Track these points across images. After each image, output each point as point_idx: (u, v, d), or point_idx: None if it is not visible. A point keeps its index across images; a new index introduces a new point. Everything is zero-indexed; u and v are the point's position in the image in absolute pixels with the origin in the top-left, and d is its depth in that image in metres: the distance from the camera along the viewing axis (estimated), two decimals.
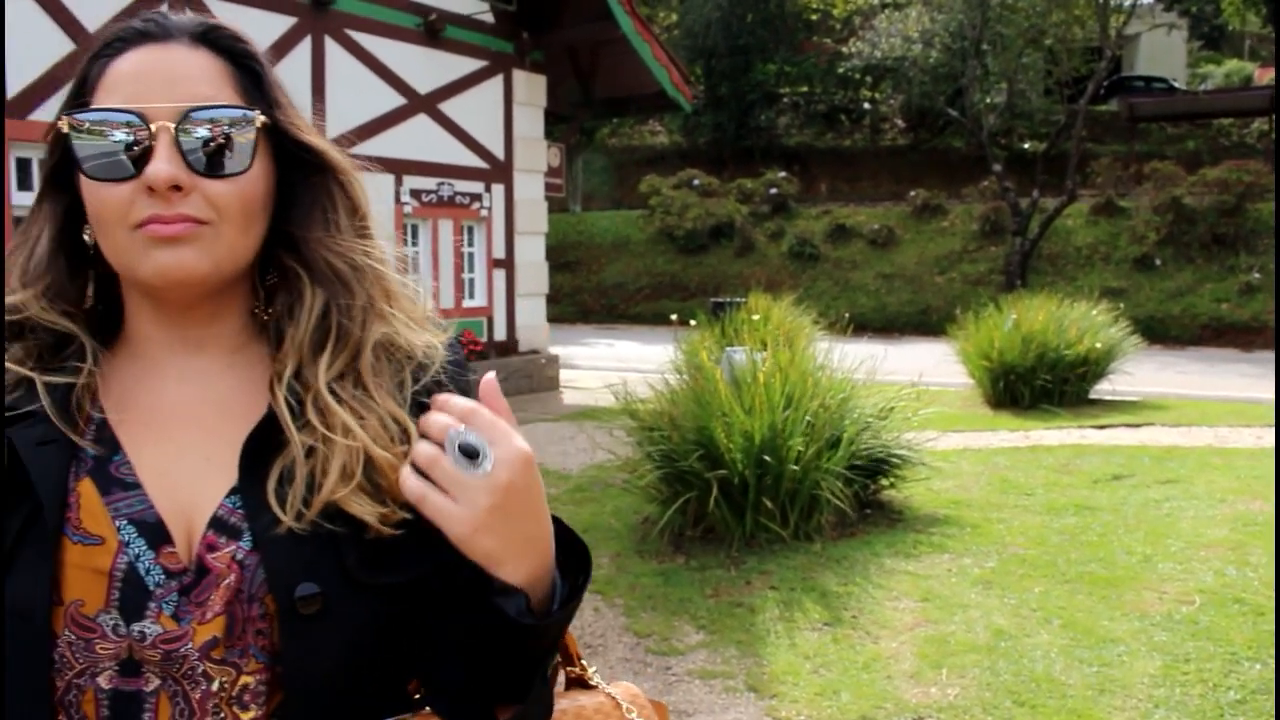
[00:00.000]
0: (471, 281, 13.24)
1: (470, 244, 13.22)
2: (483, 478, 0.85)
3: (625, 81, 14.83)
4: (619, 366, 16.18)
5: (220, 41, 1.00)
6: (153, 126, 0.92)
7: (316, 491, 0.94)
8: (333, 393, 0.98)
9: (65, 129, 0.94)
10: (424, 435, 0.88)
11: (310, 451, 0.96)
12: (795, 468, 5.99)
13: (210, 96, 0.95)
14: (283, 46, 10.76)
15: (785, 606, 5.22)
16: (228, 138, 0.95)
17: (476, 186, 13.09)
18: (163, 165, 0.92)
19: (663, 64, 14.02)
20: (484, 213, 13.19)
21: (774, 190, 28.59)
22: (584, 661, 1.19)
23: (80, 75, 0.97)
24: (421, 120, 12.31)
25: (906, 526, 6.55)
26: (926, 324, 23.29)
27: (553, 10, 13.47)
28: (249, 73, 1.00)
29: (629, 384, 7.21)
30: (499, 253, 13.50)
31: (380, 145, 11.63)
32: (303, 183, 1.03)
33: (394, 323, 1.04)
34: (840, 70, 31.78)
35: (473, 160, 13.03)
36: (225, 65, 0.99)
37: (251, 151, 0.96)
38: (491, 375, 0.91)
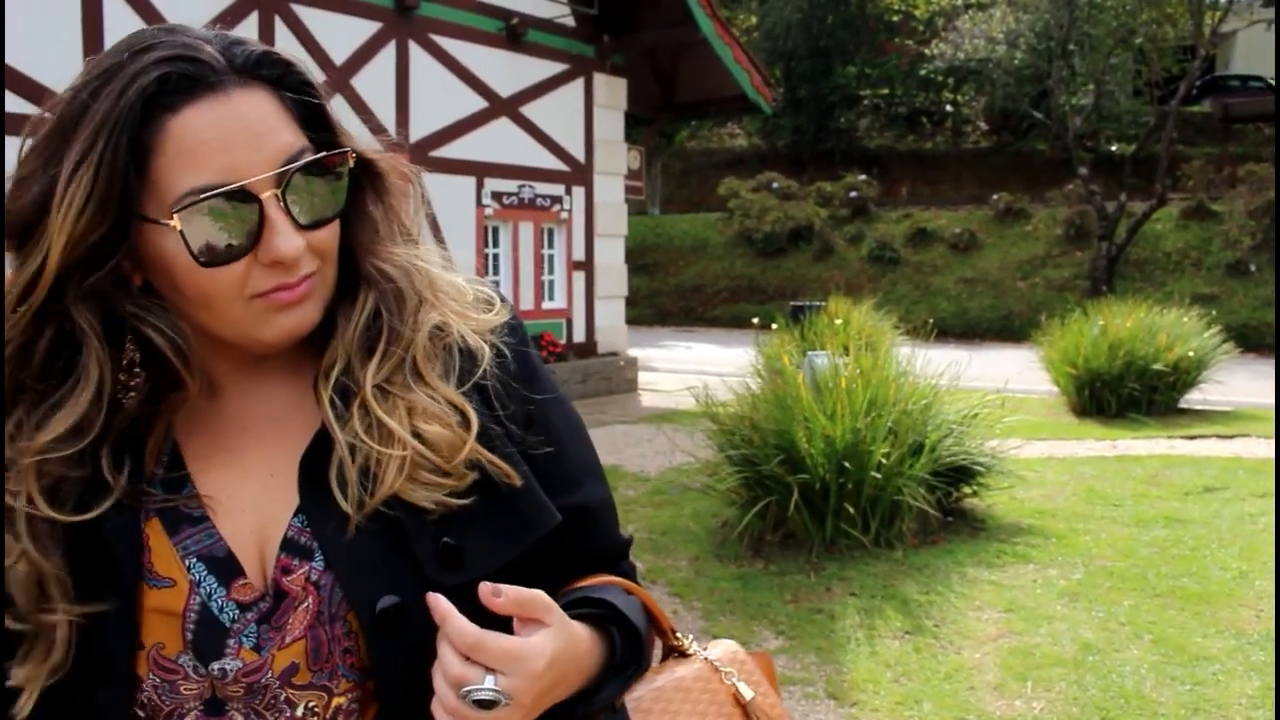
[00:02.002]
0: (551, 283, 13.34)
1: (550, 246, 13.32)
2: (506, 710, 0.86)
3: (705, 84, 14.82)
4: (697, 369, 16.16)
5: (273, 73, 0.93)
6: (262, 197, 0.88)
7: (377, 489, 0.93)
8: (384, 393, 0.96)
9: (179, 226, 0.87)
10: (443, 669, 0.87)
11: (364, 454, 0.94)
12: (877, 474, 5.93)
13: (292, 144, 0.91)
14: (368, 52, 10.95)
15: (866, 614, 5.17)
16: (320, 185, 0.93)
17: (557, 189, 13.18)
18: (291, 239, 0.89)
19: (743, 66, 13.98)
20: (564, 215, 13.28)
21: (854, 193, 28.33)
22: (678, 634, 1.19)
23: (122, 129, 0.86)
24: (503, 123, 12.43)
25: (989, 535, 6.44)
26: (1008, 330, 22.89)
27: (633, 13, 13.51)
28: (303, 101, 0.95)
29: (709, 387, 7.19)
30: (579, 255, 13.57)
31: (462, 148, 11.77)
32: (353, 192, 1.00)
33: (447, 313, 1.03)
34: (922, 72, 31.39)
35: (553, 163, 13.12)
36: (280, 98, 0.93)
37: (345, 191, 0.95)
38: (487, 587, 0.89)
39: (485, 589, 0.88)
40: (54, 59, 8.41)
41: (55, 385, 0.91)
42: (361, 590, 0.92)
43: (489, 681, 0.85)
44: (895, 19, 34.20)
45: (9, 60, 8.16)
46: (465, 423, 0.97)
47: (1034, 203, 26.89)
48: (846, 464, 5.92)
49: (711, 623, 5.14)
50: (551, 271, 13.35)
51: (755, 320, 11.30)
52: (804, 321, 11.91)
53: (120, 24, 8.73)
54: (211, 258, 0.88)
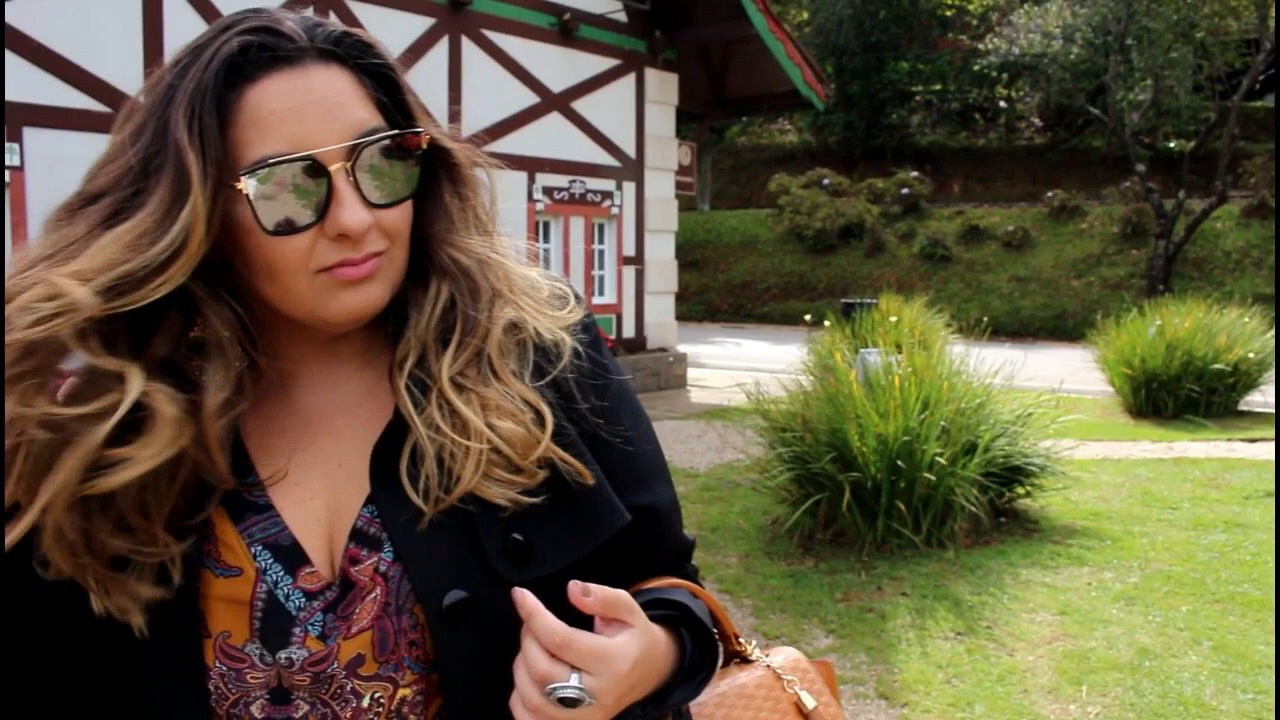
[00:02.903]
0: (601, 279, 13.36)
1: (601, 241, 13.34)
2: (589, 709, 0.86)
3: (757, 80, 14.77)
4: (747, 366, 16.12)
5: (351, 52, 0.93)
6: (330, 169, 0.88)
7: (453, 485, 0.93)
8: (459, 386, 0.96)
9: (246, 190, 0.87)
10: (528, 665, 0.87)
11: (439, 446, 0.93)
12: (930, 474, 5.87)
13: (365, 120, 0.91)
14: (420, 47, 11.02)
15: (917, 614, 5.13)
16: (393, 165, 0.92)
17: (608, 184, 13.20)
18: (357, 212, 0.89)
19: (795, 62, 13.91)
20: (615, 210, 13.29)
21: (905, 190, 28.09)
22: (741, 639, 1.18)
23: (208, 97, 0.86)
24: (554, 118, 12.47)
25: (1043, 537, 6.37)
26: (1062, 329, 22.60)
27: (686, 8, 13.49)
28: (381, 81, 0.95)
29: (760, 384, 7.17)
30: (629, 250, 13.58)
31: (513, 143, 11.81)
32: (426, 179, 0.99)
33: (522, 309, 1.02)
34: (975, 68, 31.03)
35: (604, 158, 13.14)
36: (358, 77, 0.93)
37: (417, 173, 0.95)
38: (577, 586, 0.88)
39: (575, 587, 0.88)
40: (116, 57, 8.56)
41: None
42: (429, 583, 0.92)
43: (574, 680, 0.85)
44: (948, 14, 33.84)
45: (72, 58, 8.31)
46: (540, 420, 0.97)
47: (1089, 200, 26.50)
48: (899, 463, 5.88)
49: (761, 620, 5.12)
50: (602, 267, 13.38)
51: (807, 317, 11.25)
52: (855, 319, 11.83)
53: (180, 22, 8.86)
54: (277, 227, 0.88)
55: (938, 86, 34.48)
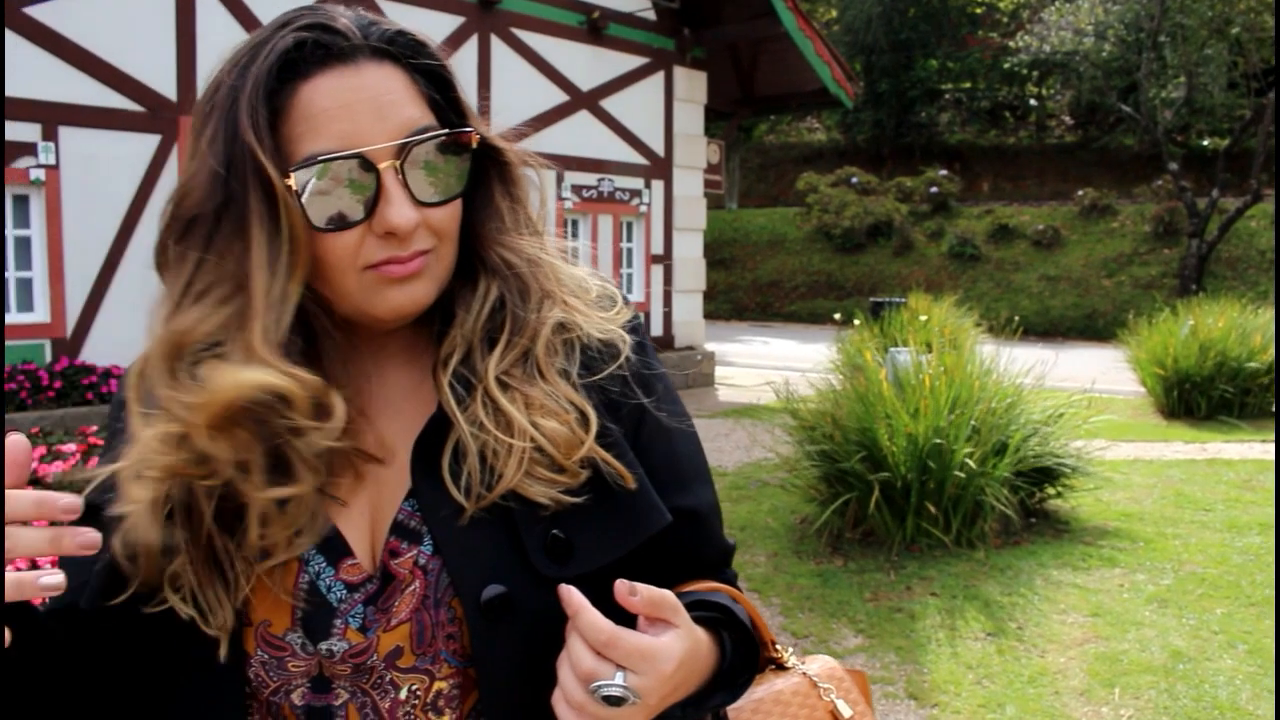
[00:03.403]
0: (629, 277, 13.37)
1: (629, 240, 13.35)
2: (632, 708, 0.85)
3: (786, 78, 14.73)
4: (774, 364, 16.09)
5: (405, 51, 0.94)
6: (380, 167, 0.89)
7: (495, 483, 0.93)
8: (504, 385, 0.96)
9: (294, 185, 0.87)
10: (572, 661, 0.86)
11: (482, 443, 0.94)
12: (960, 473, 5.85)
13: (416, 118, 0.91)
14: (451, 45, 11.06)
15: (947, 614, 5.11)
16: (443, 163, 0.92)
17: (636, 183, 13.20)
18: (405, 210, 0.89)
19: (825, 60, 13.86)
20: (643, 209, 13.30)
21: (934, 189, 27.94)
22: (778, 645, 1.18)
23: (262, 93, 0.88)
24: (583, 116, 12.48)
25: (1074, 538, 6.32)
26: (1092, 329, 22.42)
27: (714, 7, 13.47)
28: (434, 79, 0.96)
29: (789, 382, 7.15)
30: (657, 249, 13.59)
31: (542, 141, 11.84)
32: (476, 178, 1.00)
33: (571, 310, 1.03)
34: (1005, 65, 30.84)
35: (633, 156, 13.15)
36: (411, 76, 0.94)
37: (467, 171, 0.95)
38: (624, 584, 0.88)
39: (622, 586, 0.87)
40: (150, 57, 8.64)
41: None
42: (468, 577, 0.92)
43: (619, 678, 0.84)
44: (978, 11, 33.66)
45: (107, 58, 8.39)
46: (584, 420, 0.97)
47: (1121, 199, 26.28)
48: (929, 462, 5.85)
49: (790, 619, 5.11)
50: (630, 265, 13.38)
51: (836, 316, 11.21)
52: (884, 318, 11.79)
53: (213, 22, 8.93)
54: (327, 223, 0.89)
55: (967, 84, 34.29)
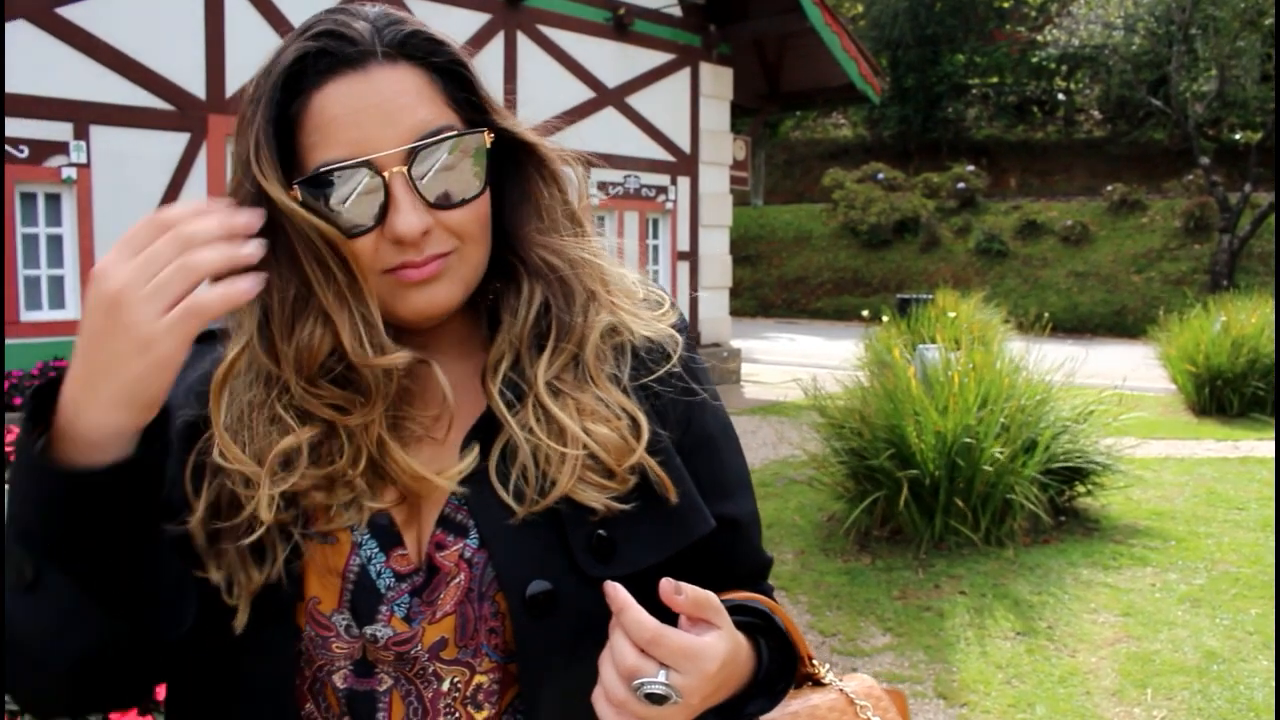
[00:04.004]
0: (655, 274, 13.36)
1: (655, 236, 13.33)
2: (674, 707, 0.85)
3: (812, 74, 14.67)
4: (800, 361, 16.04)
5: (419, 51, 0.92)
6: (386, 174, 0.88)
7: (549, 489, 0.93)
8: (555, 391, 0.96)
9: (300, 196, 0.88)
10: (616, 658, 0.86)
11: (534, 448, 0.94)
12: (989, 470, 5.81)
13: (428, 121, 0.90)
14: (477, 42, 11.08)
15: (976, 613, 5.08)
16: (459, 164, 0.91)
17: (662, 179, 13.19)
18: (411, 217, 0.88)
19: (851, 55, 13.80)
20: (669, 205, 13.28)
21: (961, 185, 27.78)
22: (814, 661, 1.17)
23: (275, 107, 0.89)
24: (609, 113, 12.47)
25: (1104, 536, 6.27)
26: (1121, 325, 22.23)
27: (740, 2, 13.43)
28: (453, 77, 0.94)
29: (817, 379, 7.13)
30: (683, 245, 13.56)
31: (568, 138, 11.79)
32: (513, 177, 0.99)
33: (618, 312, 1.02)
34: (1033, 60, 30.59)
35: (659, 153, 13.13)
36: (427, 75, 0.92)
37: (484, 172, 0.93)
38: (669, 583, 0.87)
39: (668, 585, 0.87)
40: (180, 56, 8.70)
41: None
42: (514, 573, 0.93)
43: (661, 676, 0.84)
44: (1006, 5, 33.40)
45: (137, 57, 8.45)
46: (635, 428, 0.97)
47: (1150, 194, 26.03)
48: (958, 460, 5.82)
49: (818, 618, 5.10)
50: (656, 262, 13.37)
51: (864, 313, 11.16)
52: (911, 314, 11.73)
53: (242, 21, 8.98)
54: (346, 229, 0.88)
55: (994, 79, 34.05)
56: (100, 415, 0.77)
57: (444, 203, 0.90)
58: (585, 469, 0.94)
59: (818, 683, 1.17)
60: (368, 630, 0.93)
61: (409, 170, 0.88)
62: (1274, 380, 10.34)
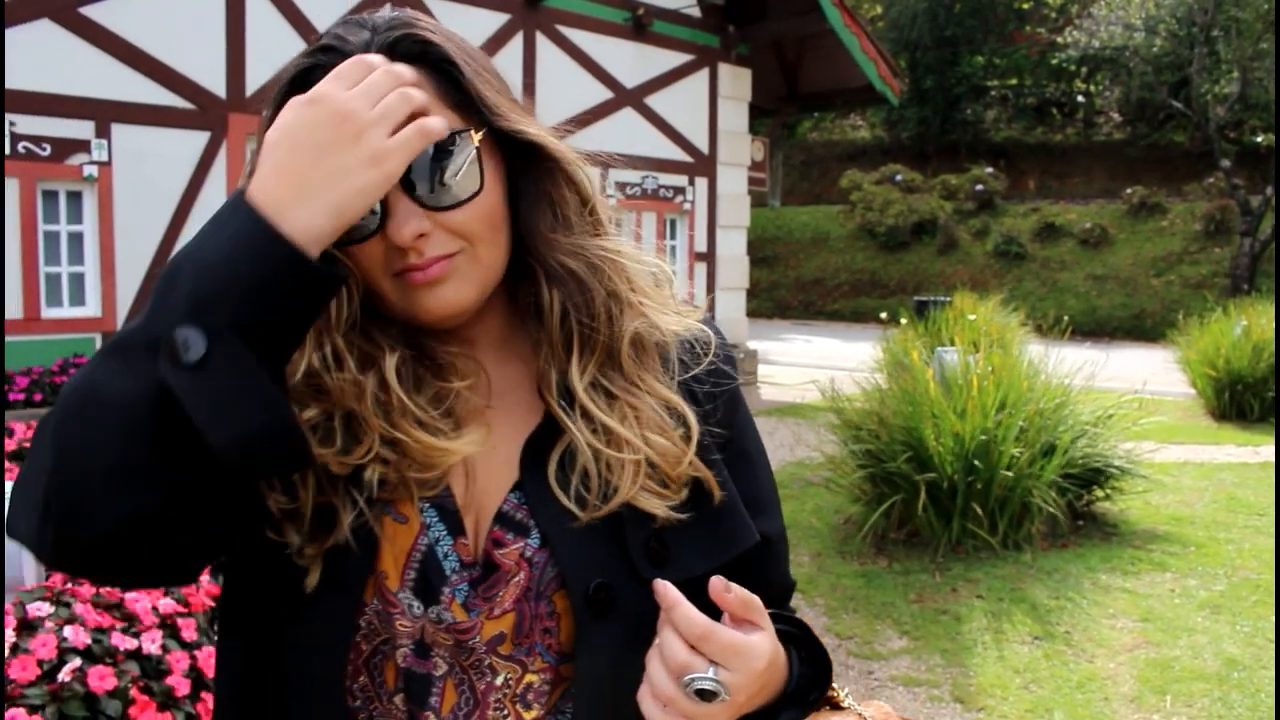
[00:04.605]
0: (673, 274, 13.34)
1: (672, 237, 13.32)
2: (721, 705, 0.86)
3: (831, 75, 14.63)
4: (817, 363, 16.01)
5: (408, 53, 0.91)
6: None
7: (611, 495, 0.95)
8: (601, 393, 0.97)
9: None
10: (664, 654, 0.86)
11: (595, 453, 0.95)
12: (1008, 473, 5.78)
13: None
14: (496, 42, 11.09)
15: (993, 617, 5.06)
16: (453, 165, 0.90)
17: (680, 180, 13.17)
18: (403, 224, 0.88)
19: (870, 57, 13.75)
20: (687, 206, 13.26)
21: (980, 186, 27.67)
22: (834, 685, 1.17)
23: (267, 124, 0.90)
24: (627, 114, 12.47)
25: (1123, 541, 6.23)
26: (1140, 329, 22.11)
27: (759, 3, 13.40)
28: (449, 76, 0.92)
29: (835, 381, 7.11)
30: (700, 246, 13.54)
31: (586, 139, 11.77)
32: (525, 176, 0.97)
33: (647, 312, 1.01)
34: (1053, 61, 30.46)
35: (677, 154, 13.11)
36: (422, 75, 0.91)
37: (479, 170, 0.91)
38: (719, 581, 0.87)
39: (718, 583, 0.87)
40: (200, 55, 8.74)
41: None
42: (577, 572, 0.94)
43: (711, 673, 0.85)
44: (1025, 7, 33.28)
45: (158, 56, 8.49)
46: (686, 431, 0.99)
47: (1170, 197, 25.86)
48: (976, 463, 5.80)
49: (834, 620, 5.08)
50: (673, 262, 13.36)
51: (883, 315, 11.13)
52: (929, 317, 11.69)
53: (263, 20, 9.01)
54: (341, 238, 0.86)
55: (1014, 81, 33.90)
56: (310, 218, 0.79)
57: (440, 204, 0.90)
58: (646, 477, 0.96)
59: (836, 706, 1.17)
60: (432, 611, 0.93)
61: (401, 175, 0.86)
62: (1275, 381, 10.28)
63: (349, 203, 0.80)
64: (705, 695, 0.84)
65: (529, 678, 0.95)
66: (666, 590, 0.86)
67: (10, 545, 2.81)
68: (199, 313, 0.76)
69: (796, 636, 1.00)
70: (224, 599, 1.01)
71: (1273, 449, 9.25)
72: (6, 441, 5.01)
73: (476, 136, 0.91)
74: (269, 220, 0.78)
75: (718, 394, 1.05)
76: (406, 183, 0.88)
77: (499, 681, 0.95)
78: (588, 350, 0.98)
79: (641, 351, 1.01)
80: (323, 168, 0.79)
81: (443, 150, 0.89)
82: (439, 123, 0.83)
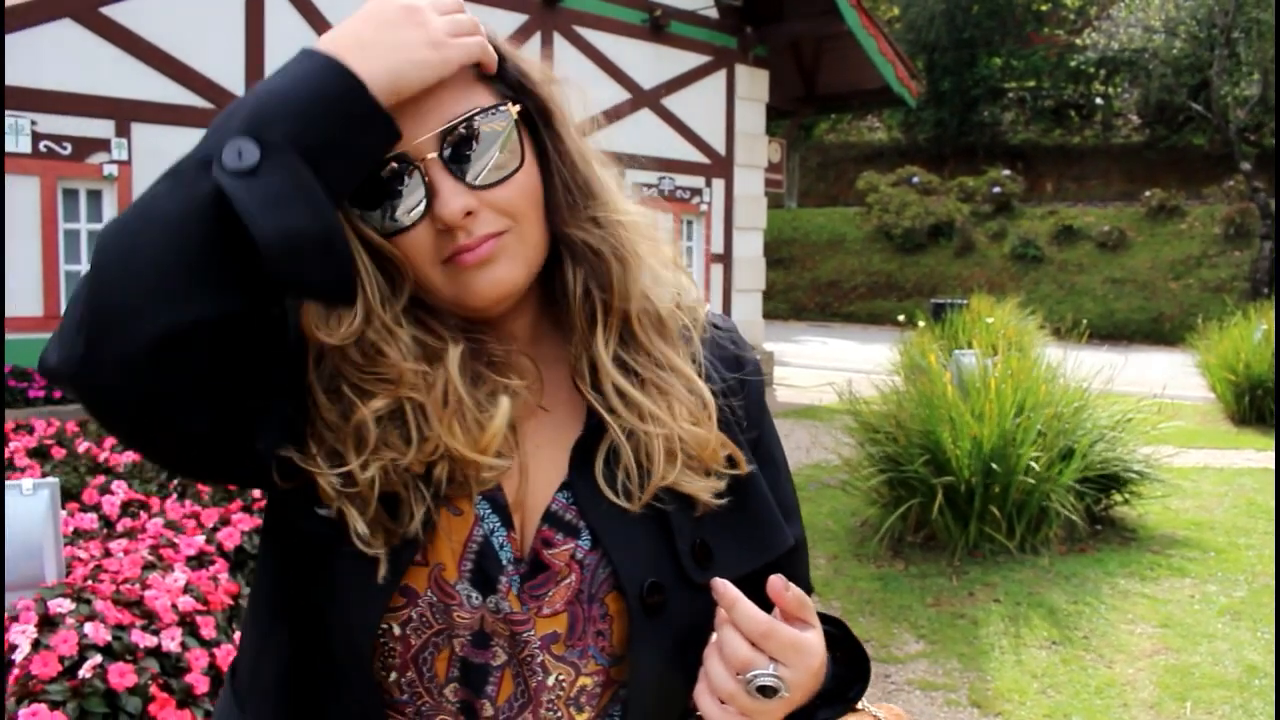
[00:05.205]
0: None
1: (689, 238, 13.31)
2: (779, 701, 0.86)
3: (848, 76, 14.61)
4: (833, 365, 15.98)
5: None
6: (421, 163, 0.88)
7: (648, 478, 0.95)
8: (632, 376, 0.97)
9: (357, 214, 0.89)
10: (721, 650, 0.87)
11: (630, 435, 0.95)
12: (1026, 478, 5.76)
13: (459, 104, 0.90)
14: (514, 43, 11.10)
15: (1010, 621, 5.03)
16: (494, 141, 0.90)
17: (697, 181, 13.17)
18: (449, 201, 0.88)
19: (888, 58, 13.73)
20: (704, 208, 13.26)
21: (997, 189, 27.55)
22: None
23: None
24: (645, 115, 12.47)
25: (1141, 546, 6.20)
26: (1158, 332, 22.00)
27: (777, 4, 13.39)
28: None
29: (852, 383, 7.09)
30: (717, 248, 13.53)
31: (603, 140, 11.82)
32: (546, 153, 0.97)
33: (661, 283, 1.02)
34: (1072, 63, 30.33)
35: (694, 155, 13.11)
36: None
37: (519, 145, 0.92)
38: (779, 580, 0.89)
39: (777, 581, 0.89)
40: (220, 54, 8.78)
41: None
42: (630, 571, 0.94)
43: (771, 669, 0.86)
44: (1044, 8, 33.13)
45: (178, 56, 8.54)
46: (707, 410, 1.00)
47: (1189, 200, 25.72)
48: (994, 466, 5.77)
49: (850, 623, 5.04)
50: (690, 264, 13.35)
51: (900, 318, 11.10)
52: (946, 319, 11.65)
53: (281, 20, 9.05)
54: (389, 229, 0.89)
55: (1031, 83, 33.77)
56: (369, 71, 0.82)
57: (485, 181, 0.90)
58: (684, 456, 0.96)
59: (851, 709, 1.19)
60: (490, 601, 0.93)
61: (442, 154, 0.88)
62: (1275, 382, 10.21)
63: (405, 72, 0.84)
64: (766, 692, 0.85)
65: (582, 680, 0.96)
66: (726, 589, 0.88)
67: (29, 545, 2.82)
68: (257, 128, 0.78)
69: (834, 636, 1.01)
70: (265, 580, 1.00)
71: None
72: (27, 439, 5.03)
73: (515, 109, 0.92)
74: (334, 57, 0.82)
75: (741, 392, 1.07)
76: (452, 162, 0.88)
77: (550, 681, 0.94)
78: (607, 322, 0.98)
79: (663, 329, 1.01)
80: (387, 37, 0.84)
81: (487, 126, 0.90)
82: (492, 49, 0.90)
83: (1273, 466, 8.66)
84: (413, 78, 0.84)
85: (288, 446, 0.89)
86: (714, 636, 0.90)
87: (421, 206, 0.88)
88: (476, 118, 0.89)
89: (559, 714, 0.95)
